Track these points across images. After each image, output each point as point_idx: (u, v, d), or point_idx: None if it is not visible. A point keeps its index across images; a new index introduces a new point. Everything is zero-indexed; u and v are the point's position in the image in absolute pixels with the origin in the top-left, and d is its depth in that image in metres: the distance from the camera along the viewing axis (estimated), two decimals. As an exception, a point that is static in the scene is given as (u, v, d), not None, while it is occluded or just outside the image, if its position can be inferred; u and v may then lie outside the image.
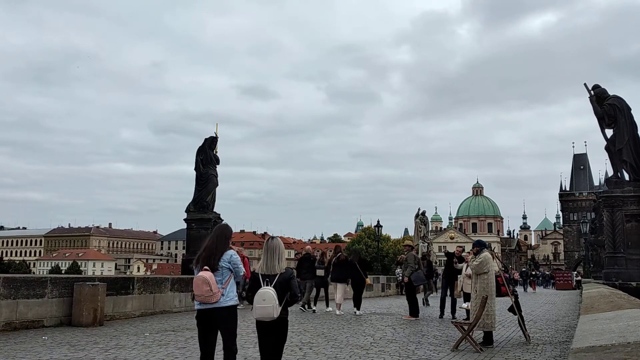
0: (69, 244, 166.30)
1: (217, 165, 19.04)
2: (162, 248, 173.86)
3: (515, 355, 8.23)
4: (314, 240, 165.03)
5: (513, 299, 9.92)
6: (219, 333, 5.32)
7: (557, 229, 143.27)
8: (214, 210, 18.86)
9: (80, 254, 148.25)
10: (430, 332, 10.94)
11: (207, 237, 5.51)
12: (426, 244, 33.92)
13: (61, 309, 10.73)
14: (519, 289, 30.97)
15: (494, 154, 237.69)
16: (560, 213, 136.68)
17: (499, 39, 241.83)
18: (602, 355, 4.02)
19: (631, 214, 17.08)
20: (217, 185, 19.01)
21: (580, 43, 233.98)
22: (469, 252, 11.77)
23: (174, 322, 11.71)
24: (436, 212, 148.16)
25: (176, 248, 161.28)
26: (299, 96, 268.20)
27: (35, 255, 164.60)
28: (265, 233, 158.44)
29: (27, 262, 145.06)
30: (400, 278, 20.16)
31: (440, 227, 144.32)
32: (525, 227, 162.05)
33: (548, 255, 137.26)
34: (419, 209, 35.57)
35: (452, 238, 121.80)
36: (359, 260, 14.95)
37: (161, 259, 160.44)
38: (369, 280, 15.42)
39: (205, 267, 5.12)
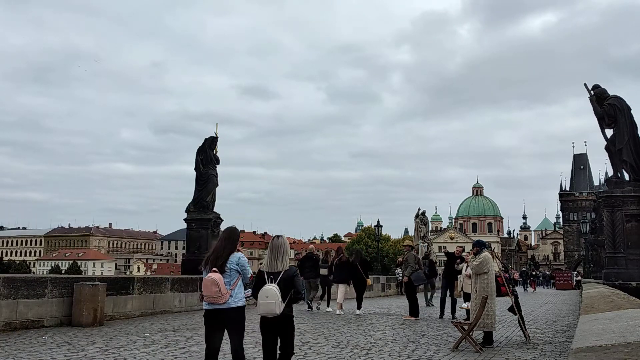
0: (69, 244, 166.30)
1: (217, 165, 19.04)
2: (162, 248, 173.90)
3: (515, 355, 8.23)
4: (314, 240, 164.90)
5: (513, 299, 9.92)
6: (224, 332, 5.41)
7: (557, 229, 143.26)
8: (214, 210, 18.85)
9: (80, 254, 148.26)
10: (430, 332, 10.94)
11: (216, 239, 5.56)
12: (426, 244, 33.91)
13: (61, 309, 10.74)
14: (519, 289, 30.98)
15: (494, 154, 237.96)
16: (560, 213, 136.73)
17: (499, 39, 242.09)
18: (602, 355, 4.02)
19: (631, 214, 17.07)
20: (217, 185, 19.00)
21: (580, 43, 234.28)
22: (469, 252, 11.77)
23: (174, 322, 11.71)
24: (436, 212, 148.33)
25: (176, 248, 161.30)
26: (299, 96, 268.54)
27: (35, 255, 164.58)
28: (265, 233, 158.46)
29: (27, 262, 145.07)
30: (400, 278, 20.19)
31: (440, 227, 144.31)
32: (525, 227, 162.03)
33: (548, 255, 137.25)
34: (419, 209, 35.59)
35: (452, 238, 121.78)
36: (361, 261, 15.07)
37: (161, 259, 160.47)
38: (370, 281, 15.50)
39: (214, 269, 5.22)
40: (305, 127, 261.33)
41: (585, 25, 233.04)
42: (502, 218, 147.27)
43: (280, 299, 5.08)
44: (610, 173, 20.91)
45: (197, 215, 18.39)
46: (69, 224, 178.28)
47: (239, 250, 5.50)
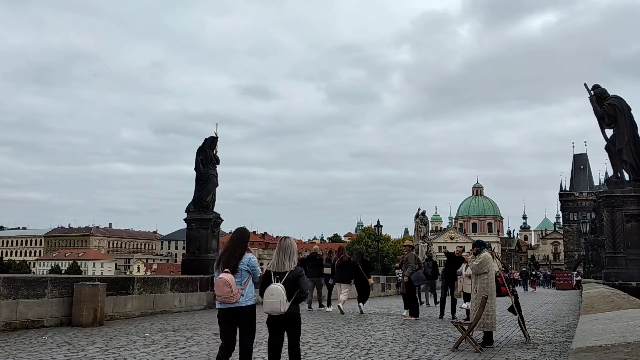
0: (69, 244, 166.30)
1: (217, 165, 19.02)
2: (162, 248, 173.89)
3: (515, 355, 8.23)
4: (314, 240, 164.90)
5: (513, 299, 9.92)
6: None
7: (557, 229, 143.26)
8: (214, 210, 18.83)
9: (80, 254, 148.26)
10: (430, 332, 10.95)
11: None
12: (426, 244, 33.91)
13: (61, 309, 10.74)
14: (519, 289, 30.99)
15: (494, 154, 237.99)
16: (560, 213, 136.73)
17: (499, 39, 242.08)
18: (602, 355, 4.02)
19: (631, 214, 17.05)
20: (217, 185, 18.97)
21: (580, 43, 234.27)
22: (469, 252, 11.77)
23: (174, 322, 11.71)
24: (436, 212, 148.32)
25: (176, 248, 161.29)
26: (299, 96, 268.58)
27: (35, 255, 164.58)
28: (265, 233, 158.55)
29: (27, 262, 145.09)
30: (400, 278, 20.18)
31: (440, 227, 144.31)
32: (525, 227, 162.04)
33: (548, 255, 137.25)
34: (419, 209, 35.55)
35: (452, 238, 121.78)
36: (362, 261, 15.23)
37: (161, 259, 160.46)
38: (371, 280, 15.66)
39: (226, 270, 5.41)
40: (305, 127, 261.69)
41: (585, 25, 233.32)
42: (502, 218, 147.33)
43: (285, 297, 5.24)
44: (610, 173, 20.89)
45: (197, 215, 18.37)
46: (69, 224, 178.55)
47: (249, 251, 5.67)
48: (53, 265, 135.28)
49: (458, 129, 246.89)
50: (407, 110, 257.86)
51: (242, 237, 5.71)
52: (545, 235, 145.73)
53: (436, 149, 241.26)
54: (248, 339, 5.53)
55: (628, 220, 17.05)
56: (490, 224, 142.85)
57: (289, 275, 5.41)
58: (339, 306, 14.42)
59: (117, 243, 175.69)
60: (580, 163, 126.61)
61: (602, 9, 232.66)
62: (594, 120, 18.39)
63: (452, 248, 20.23)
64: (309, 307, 15.35)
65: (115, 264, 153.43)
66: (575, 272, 46.64)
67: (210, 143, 18.95)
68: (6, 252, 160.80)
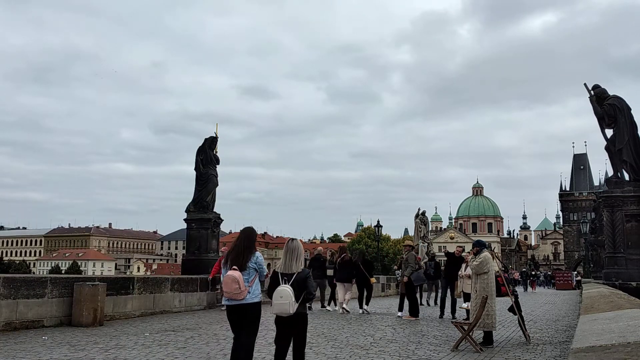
0: (69, 244, 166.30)
1: (217, 165, 19.04)
2: (162, 248, 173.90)
3: (515, 355, 8.23)
4: (314, 240, 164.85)
5: (513, 299, 9.92)
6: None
7: (557, 229, 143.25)
8: (214, 210, 18.85)
9: (80, 254, 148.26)
10: (430, 332, 10.94)
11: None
12: (426, 244, 33.93)
13: (61, 309, 10.73)
14: (519, 289, 30.99)
15: (494, 154, 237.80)
16: (560, 213, 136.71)
17: (499, 39, 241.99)
18: (602, 355, 4.02)
19: (631, 214, 17.06)
20: (217, 185, 18.99)
21: (580, 43, 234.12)
22: (469, 252, 11.77)
23: (174, 322, 11.71)
24: (436, 212, 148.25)
25: (176, 248, 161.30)
26: (299, 96, 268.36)
27: (35, 255, 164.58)
28: (265, 233, 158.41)
29: (27, 262, 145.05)
30: (400, 278, 20.20)
31: (440, 227, 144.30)
32: (525, 227, 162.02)
33: (548, 255, 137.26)
34: (419, 209, 35.58)
35: (452, 238, 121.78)
36: (363, 261, 15.27)
37: (161, 259, 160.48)
38: (373, 280, 15.78)
39: (234, 267, 5.55)
40: (305, 127, 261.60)
41: (585, 25, 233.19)
42: (502, 218, 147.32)
43: (293, 299, 5.35)
44: (610, 173, 20.90)
45: (197, 215, 18.39)
46: (69, 224, 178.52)
47: (256, 250, 5.84)
48: (53, 265, 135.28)
49: (458, 129, 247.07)
50: (407, 110, 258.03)
51: (249, 236, 5.85)
52: (545, 235, 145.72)
53: (436, 149, 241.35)
54: (251, 336, 5.67)
55: (628, 220, 17.06)
56: (490, 224, 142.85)
57: (297, 276, 5.52)
58: (343, 307, 14.56)
59: (117, 243, 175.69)
60: (580, 163, 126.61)
61: (602, 9, 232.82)
62: (594, 120, 18.41)
63: (452, 248, 20.23)
64: (309, 307, 15.39)
65: (115, 264, 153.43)
66: (575, 272, 46.64)
67: (210, 143, 18.97)
68: (6, 252, 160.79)
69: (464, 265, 12.72)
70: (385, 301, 20.63)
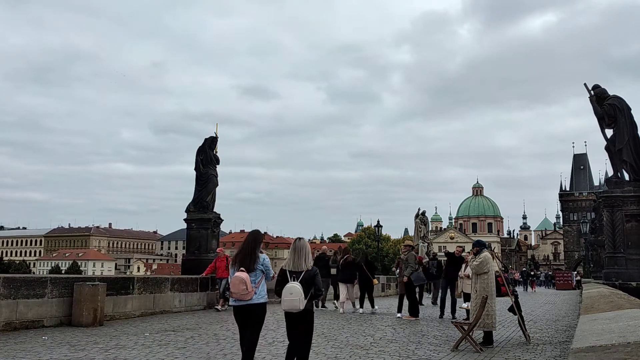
0: (69, 244, 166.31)
1: (217, 165, 19.04)
2: (162, 248, 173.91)
3: (515, 355, 8.23)
4: (314, 240, 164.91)
5: (513, 299, 9.92)
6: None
7: (557, 229, 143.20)
8: (214, 210, 18.85)
9: (80, 254, 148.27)
10: (430, 332, 10.94)
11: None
12: (426, 244, 33.94)
13: (61, 309, 10.73)
14: (519, 289, 31.00)
15: (494, 154, 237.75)
16: (560, 213, 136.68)
17: (499, 39, 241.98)
18: (602, 355, 4.02)
19: (631, 214, 17.06)
20: (217, 185, 18.98)
21: (580, 43, 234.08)
22: (469, 252, 11.77)
23: (174, 322, 11.71)
24: (436, 212, 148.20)
25: (176, 248, 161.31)
26: (299, 96, 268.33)
27: (35, 255, 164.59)
28: (265, 233, 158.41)
29: (27, 262, 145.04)
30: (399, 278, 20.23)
31: (440, 227, 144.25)
32: (525, 227, 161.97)
33: (548, 255, 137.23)
34: (419, 209, 35.61)
35: (452, 238, 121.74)
36: (366, 262, 15.43)
37: (161, 259, 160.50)
38: (376, 281, 15.93)
39: (242, 269, 5.74)
40: (305, 127, 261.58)
41: (585, 25, 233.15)
42: (502, 218, 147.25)
43: (303, 295, 5.54)
44: (610, 173, 20.90)
45: (197, 215, 18.38)
46: (69, 224, 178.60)
47: (262, 252, 6.02)
48: (53, 265, 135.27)
49: (458, 129, 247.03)
50: (407, 110, 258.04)
51: (256, 239, 6.03)
52: (545, 235, 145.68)
53: (436, 149, 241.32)
54: (254, 334, 5.82)
55: (628, 220, 17.06)
56: (490, 224, 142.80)
57: (305, 274, 5.71)
58: (337, 305, 14.63)
59: (117, 243, 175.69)
60: (580, 163, 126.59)
61: (602, 9, 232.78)
62: (594, 120, 18.41)
63: (452, 248, 20.23)
64: (324, 305, 15.70)
65: (115, 264, 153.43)
66: (575, 272, 46.64)
67: (210, 143, 18.97)
68: (6, 252, 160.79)
69: (464, 265, 12.72)
70: (385, 301, 20.62)
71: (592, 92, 18.31)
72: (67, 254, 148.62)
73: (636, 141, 17.50)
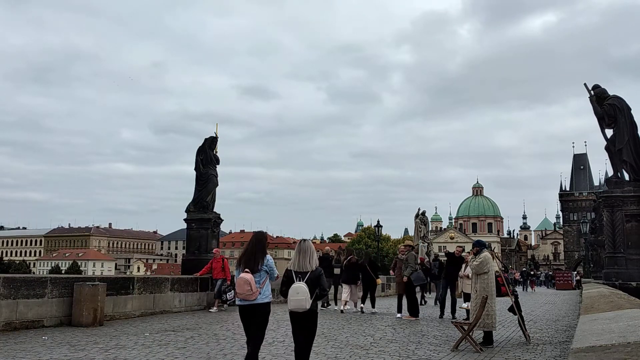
0: (69, 244, 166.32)
1: (217, 165, 19.02)
2: (162, 248, 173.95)
3: (515, 355, 8.23)
4: (314, 240, 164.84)
5: (513, 299, 9.92)
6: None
7: (557, 229, 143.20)
8: (214, 210, 18.82)
9: (80, 254, 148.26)
10: (430, 332, 10.94)
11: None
12: (426, 244, 33.94)
13: (61, 309, 10.73)
14: (519, 289, 31.01)
15: (494, 154, 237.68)
16: (560, 213, 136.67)
17: (499, 39, 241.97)
18: (602, 355, 4.02)
19: (631, 214, 17.05)
20: (217, 185, 18.96)
21: (580, 43, 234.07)
22: (469, 252, 11.77)
23: (174, 322, 11.71)
24: (436, 212, 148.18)
25: (176, 248, 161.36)
26: (299, 96, 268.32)
27: (35, 255, 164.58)
28: (266, 233, 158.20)
29: (27, 262, 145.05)
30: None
31: (440, 227, 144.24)
32: (525, 227, 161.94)
33: (548, 255, 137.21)
34: (419, 209, 35.62)
35: (452, 238, 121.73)
36: (369, 262, 15.61)
37: (161, 259, 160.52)
38: (379, 280, 16.02)
39: (246, 269, 5.85)
40: (306, 127, 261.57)
41: (585, 25, 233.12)
42: (502, 218, 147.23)
43: (309, 295, 5.65)
44: (610, 173, 20.89)
45: (197, 215, 18.36)
46: (69, 224, 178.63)
47: (266, 253, 6.12)
48: (53, 265, 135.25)
49: (458, 129, 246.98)
50: (407, 110, 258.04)
51: (260, 240, 6.15)
52: (545, 235, 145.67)
53: (436, 149, 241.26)
54: (259, 332, 5.94)
55: (628, 220, 17.05)
56: (490, 224, 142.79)
57: (311, 274, 5.81)
58: (342, 307, 14.81)
59: (117, 243, 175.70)
60: (580, 163, 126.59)
61: (602, 9, 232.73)
62: (594, 120, 18.40)
63: (452, 248, 20.25)
64: (327, 305, 15.77)
65: (115, 264, 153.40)
66: (575, 272, 46.65)
67: (210, 143, 18.94)
68: (6, 252, 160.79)
69: (464, 265, 12.72)
70: (385, 301, 20.63)
71: (592, 92, 18.30)
72: (67, 254, 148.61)
73: (636, 141, 17.49)
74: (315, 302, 5.85)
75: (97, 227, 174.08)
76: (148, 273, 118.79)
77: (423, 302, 19.54)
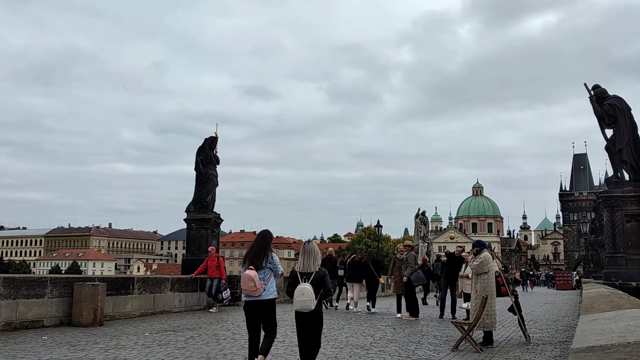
0: (69, 244, 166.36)
1: (217, 165, 19.01)
2: (162, 248, 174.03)
3: (515, 355, 8.23)
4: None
5: (513, 299, 9.92)
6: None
7: (557, 229, 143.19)
8: (214, 210, 18.82)
9: (80, 254, 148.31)
10: (430, 332, 10.95)
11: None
12: (426, 244, 33.97)
13: (61, 309, 10.73)
14: (519, 289, 31.03)
15: (494, 154, 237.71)
16: (560, 213, 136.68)
17: (499, 39, 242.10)
18: (602, 355, 4.02)
19: (631, 214, 17.05)
20: (217, 185, 18.96)
21: (581, 43, 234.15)
22: (468, 252, 11.77)
23: (174, 322, 11.71)
24: (436, 212, 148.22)
25: (176, 248, 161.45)
26: (300, 96, 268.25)
27: (35, 255, 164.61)
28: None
29: (27, 262, 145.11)
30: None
31: (440, 227, 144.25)
32: (525, 227, 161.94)
33: (548, 255, 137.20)
34: (419, 209, 35.71)
35: (452, 238, 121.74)
36: (373, 262, 15.63)
37: (161, 259, 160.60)
38: (382, 280, 16.10)
39: (251, 267, 6.02)
40: (306, 127, 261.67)
41: (586, 25, 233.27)
42: (502, 218, 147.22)
43: (314, 296, 5.76)
44: (610, 173, 20.86)
45: (197, 215, 18.36)
46: (69, 224, 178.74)
47: (271, 251, 6.29)
48: (53, 265, 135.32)
49: (458, 129, 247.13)
50: (407, 110, 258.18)
51: (265, 238, 6.31)
52: (545, 235, 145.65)
53: (436, 149, 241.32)
54: (270, 329, 6.10)
55: (628, 220, 17.05)
56: (490, 224, 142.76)
57: (315, 275, 5.90)
58: (352, 307, 14.96)
59: (117, 243, 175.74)
60: (580, 163, 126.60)
61: (603, 8, 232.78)
62: (594, 120, 18.40)
63: (452, 248, 20.25)
64: (330, 305, 15.84)
65: (115, 264, 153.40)
66: (575, 272, 46.64)
67: (210, 143, 18.94)
68: (6, 252, 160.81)
69: (464, 265, 12.72)
70: (385, 301, 20.63)
71: (592, 92, 18.30)
72: (67, 254, 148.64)
73: (636, 141, 17.49)
74: (320, 303, 5.95)
75: (97, 227, 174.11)
76: (148, 273, 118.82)
77: (426, 302, 19.59)
